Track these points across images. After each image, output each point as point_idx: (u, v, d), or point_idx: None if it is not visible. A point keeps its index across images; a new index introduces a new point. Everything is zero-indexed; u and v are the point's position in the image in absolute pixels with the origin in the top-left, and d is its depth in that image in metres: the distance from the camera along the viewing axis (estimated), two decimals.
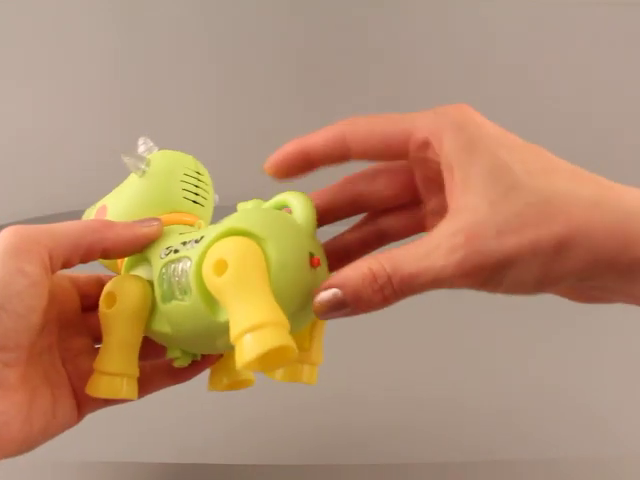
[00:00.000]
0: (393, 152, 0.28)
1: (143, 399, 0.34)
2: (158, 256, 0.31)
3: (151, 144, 0.38)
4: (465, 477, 0.36)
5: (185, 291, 0.29)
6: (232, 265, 0.27)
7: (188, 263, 0.29)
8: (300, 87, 0.80)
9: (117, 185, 0.38)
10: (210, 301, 0.29)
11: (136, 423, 0.40)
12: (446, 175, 0.26)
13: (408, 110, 0.68)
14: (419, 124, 0.27)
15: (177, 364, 0.33)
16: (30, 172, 0.79)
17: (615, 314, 0.55)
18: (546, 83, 0.78)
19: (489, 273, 0.25)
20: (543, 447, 0.38)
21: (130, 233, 0.31)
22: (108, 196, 0.36)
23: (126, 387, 0.31)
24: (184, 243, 0.30)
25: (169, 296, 0.30)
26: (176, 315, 0.29)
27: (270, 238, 0.29)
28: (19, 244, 0.28)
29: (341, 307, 0.27)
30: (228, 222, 0.30)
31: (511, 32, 0.78)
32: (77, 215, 0.75)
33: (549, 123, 0.78)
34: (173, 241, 0.31)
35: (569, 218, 0.23)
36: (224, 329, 0.27)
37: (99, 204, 0.36)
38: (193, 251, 0.29)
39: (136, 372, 0.31)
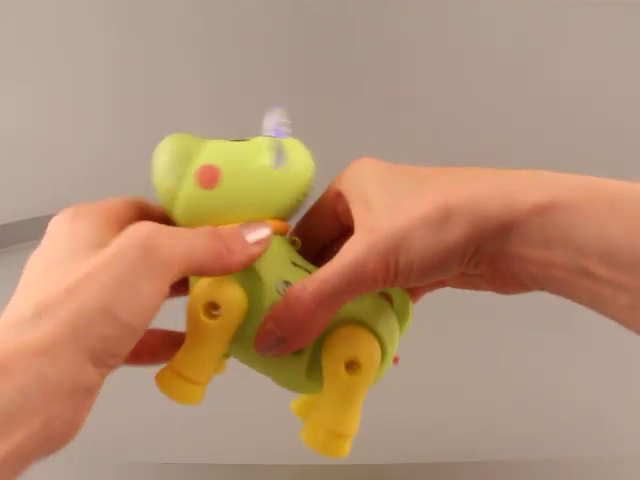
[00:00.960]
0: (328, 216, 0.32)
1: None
2: (274, 285, 0.29)
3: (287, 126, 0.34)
4: (467, 477, 0.36)
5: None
6: (365, 372, 0.28)
7: None
8: (300, 87, 0.80)
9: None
10: (315, 371, 0.29)
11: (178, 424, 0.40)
12: (353, 209, 0.29)
13: (407, 110, 0.69)
14: (333, 187, 0.32)
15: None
16: (30, 172, 0.80)
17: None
18: (546, 83, 0.78)
19: (393, 254, 0.26)
20: (544, 447, 0.38)
21: (245, 258, 0.28)
22: (219, 153, 0.30)
23: (200, 395, 0.29)
24: None
25: None
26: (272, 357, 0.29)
27: (390, 345, 0.29)
28: (163, 258, 0.25)
29: (278, 342, 0.28)
30: (356, 313, 0.29)
31: (511, 32, 0.78)
32: None
33: (549, 123, 0.78)
34: (289, 274, 0.29)
35: (448, 192, 0.26)
36: (305, 388, 0.29)
37: (206, 159, 0.30)
38: None
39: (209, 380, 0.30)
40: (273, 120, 0.33)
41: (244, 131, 0.83)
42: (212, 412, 0.41)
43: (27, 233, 0.72)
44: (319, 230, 0.33)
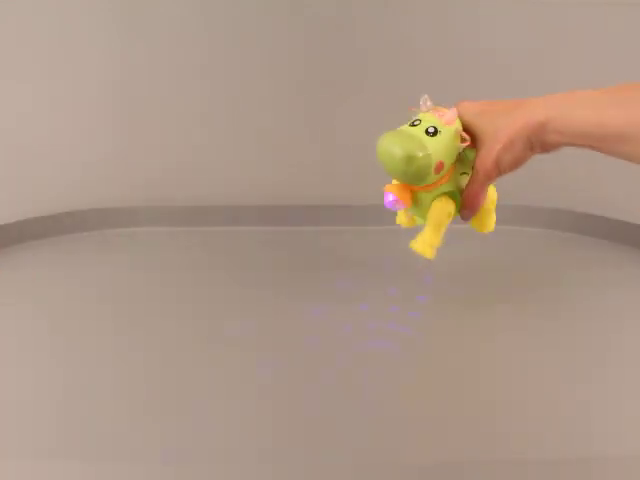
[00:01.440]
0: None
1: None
2: (458, 190, 0.53)
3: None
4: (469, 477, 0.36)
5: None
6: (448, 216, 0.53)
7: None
8: (299, 87, 0.80)
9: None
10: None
11: None
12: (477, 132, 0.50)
13: (406, 110, 0.68)
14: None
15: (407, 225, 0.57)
16: (30, 172, 0.79)
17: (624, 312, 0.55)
18: (546, 83, 0.78)
19: (523, 140, 0.46)
20: (546, 446, 0.38)
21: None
22: (444, 155, 0.49)
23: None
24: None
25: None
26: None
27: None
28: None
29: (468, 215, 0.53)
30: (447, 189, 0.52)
31: (511, 32, 0.78)
32: (78, 215, 0.75)
33: None
34: (463, 182, 0.53)
35: (521, 117, 0.46)
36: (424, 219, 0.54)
37: (438, 158, 0.48)
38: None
39: None
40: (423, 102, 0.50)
41: (244, 130, 0.83)
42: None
43: (27, 233, 0.72)
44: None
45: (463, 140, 0.49)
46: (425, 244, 0.51)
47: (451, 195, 0.52)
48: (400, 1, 0.77)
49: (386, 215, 0.72)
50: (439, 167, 0.48)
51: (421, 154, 0.47)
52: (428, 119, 0.49)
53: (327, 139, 0.81)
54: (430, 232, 0.51)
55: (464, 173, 0.52)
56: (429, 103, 0.50)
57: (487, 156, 0.47)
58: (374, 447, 0.38)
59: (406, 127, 0.49)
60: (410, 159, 0.47)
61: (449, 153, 0.49)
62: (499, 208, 0.75)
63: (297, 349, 0.49)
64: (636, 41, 0.78)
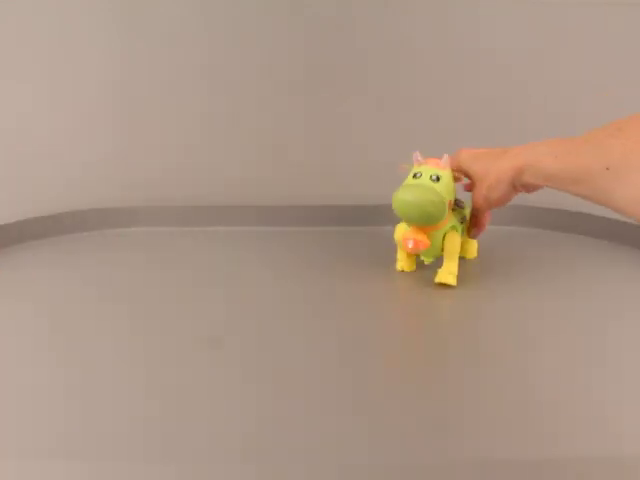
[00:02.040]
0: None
1: None
2: (459, 223, 0.61)
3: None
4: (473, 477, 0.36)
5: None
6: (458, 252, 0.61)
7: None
8: (299, 87, 0.80)
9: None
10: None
11: None
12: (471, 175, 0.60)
13: (407, 110, 0.68)
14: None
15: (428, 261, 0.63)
16: (30, 172, 0.80)
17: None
18: (545, 83, 0.78)
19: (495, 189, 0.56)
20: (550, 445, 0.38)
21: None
22: (450, 195, 0.58)
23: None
24: (463, 218, 0.62)
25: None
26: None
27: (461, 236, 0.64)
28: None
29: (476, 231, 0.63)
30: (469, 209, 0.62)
31: (511, 32, 0.78)
32: (78, 215, 0.75)
33: (548, 122, 0.78)
34: (459, 215, 0.61)
35: (508, 163, 0.54)
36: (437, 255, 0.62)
37: (448, 198, 0.57)
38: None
39: None
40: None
41: (244, 130, 0.83)
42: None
43: (27, 233, 0.72)
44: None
45: (457, 179, 0.59)
46: (449, 275, 0.59)
47: (455, 228, 0.60)
48: (400, 1, 0.77)
49: (386, 215, 0.72)
50: (450, 205, 0.58)
51: (438, 199, 0.55)
52: (426, 169, 0.57)
53: (327, 139, 0.81)
54: (450, 263, 0.59)
55: (455, 209, 0.62)
56: (420, 158, 0.58)
57: (479, 194, 0.58)
58: (384, 446, 0.38)
59: (412, 180, 0.57)
60: (432, 205, 0.55)
61: (451, 192, 0.58)
62: (500, 208, 0.75)
63: (297, 349, 0.49)
64: (636, 41, 0.78)
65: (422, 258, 0.63)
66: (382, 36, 0.78)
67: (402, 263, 0.63)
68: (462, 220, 0.62)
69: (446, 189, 0.57)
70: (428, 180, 0.56)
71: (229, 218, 0.76)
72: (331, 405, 0.42)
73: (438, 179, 0.57)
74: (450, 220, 0.60)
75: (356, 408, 0.41)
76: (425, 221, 0.57)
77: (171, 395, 0.43)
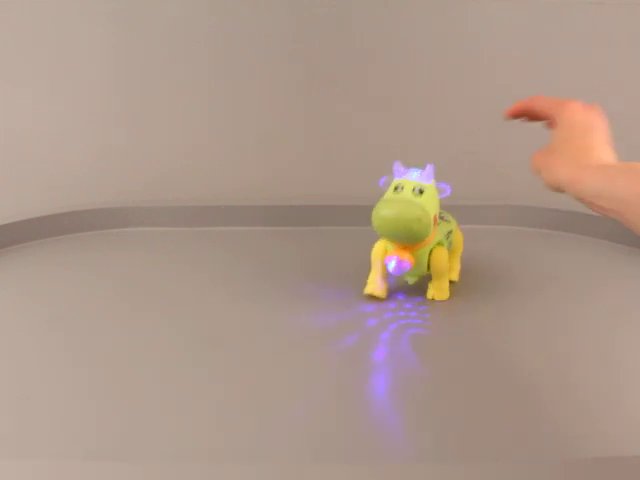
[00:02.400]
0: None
1: None
2: (445, 238, 0.57)
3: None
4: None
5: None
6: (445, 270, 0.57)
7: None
8: (299, 87, 0.80)
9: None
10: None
11: None
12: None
13: (407, 110, 0.68)
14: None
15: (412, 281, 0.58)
16: (30, 173, 0.80)
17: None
18: (545, 83, 0.78)
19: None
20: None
21: None
22: (435, 209, 0.53)
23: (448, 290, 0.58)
24: (449, 232, 0.58)
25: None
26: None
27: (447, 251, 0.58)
28: None
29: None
30: (454, 222, 0.60)
31: (511, 32, 0.78)
32: (78, 215, 0.75)
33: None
34: (444, 229, 0.57)
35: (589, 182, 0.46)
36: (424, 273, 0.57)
37: (433, 213, 0.52)
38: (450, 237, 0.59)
39: None
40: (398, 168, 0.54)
41: (244, 130, 0.83)
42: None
43: (27, 233, 0.72)
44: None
45: (441, 191, 0.54)
46: (441, 291, 0.57)
47: (442, 243, 0.56)
48: (400, 1, 0.77)
49: None
50: (435, 220, 0.53)
51: (423, 214, 0.50)
52: (408, 182, 0.52)
53: (327, 139, 0.81)
54: (439, 280, 0.56)
55: (440, 222, 0.57)
56: (402, 169, 0.53)
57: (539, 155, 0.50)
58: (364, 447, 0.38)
59: (393, 194, 0.52)
60: (417, 221, 0.50)
61: (436, 206, 0.53)
62: (499, 208, 0.75)
63: (298, 348, 0.49)
64: (636, 41, 0.78)
65: (406, 278, 0.58)
66: (382, 36, 0.78)
67: (373, 286, 0.57)
68: (447, 235, 0.57)
69: (431, 203, 0.52)
70: (410, 193, 0.51)
71: (229, 218, 0.76)
72: (331, 405, 0.42)
73: (421, 192, 0.51)
74: (436, 235, 0.55)
75: (359, 407, 0.41)
76: (409, 239, 0.52)
77: (171, 394, 0.43)
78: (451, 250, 0.59)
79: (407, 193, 0.51)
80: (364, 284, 0.57)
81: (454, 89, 0.80)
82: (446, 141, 0.81)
